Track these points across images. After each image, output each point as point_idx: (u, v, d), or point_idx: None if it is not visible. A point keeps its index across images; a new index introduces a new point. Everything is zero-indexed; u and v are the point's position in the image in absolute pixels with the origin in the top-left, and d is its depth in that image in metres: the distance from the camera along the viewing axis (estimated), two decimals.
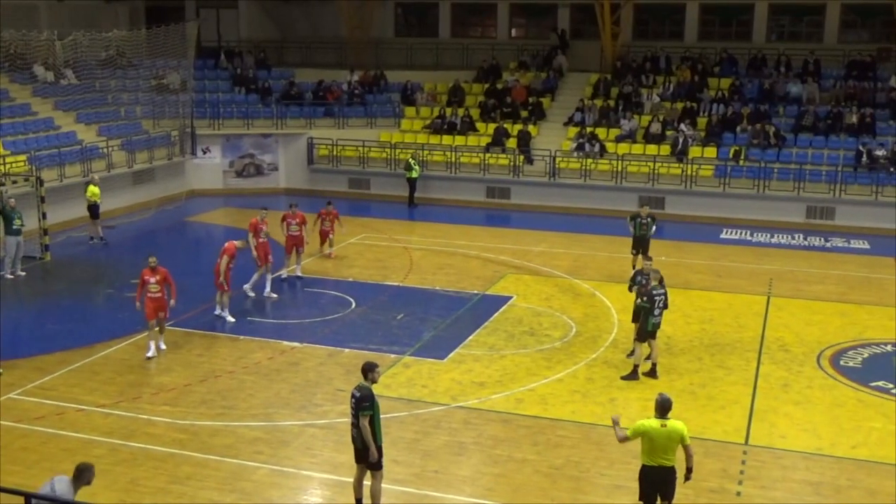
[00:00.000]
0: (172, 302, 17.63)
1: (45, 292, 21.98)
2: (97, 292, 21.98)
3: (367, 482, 11.57)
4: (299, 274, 22.65)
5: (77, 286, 22.39)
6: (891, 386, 16.29)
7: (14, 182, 24.94)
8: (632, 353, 17.00)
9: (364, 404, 11.19)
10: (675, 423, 10.65)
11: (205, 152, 34.10)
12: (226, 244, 19.37)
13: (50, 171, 27.36)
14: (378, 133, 34.87)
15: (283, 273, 22.58)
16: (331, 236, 24.63)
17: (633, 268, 21.85)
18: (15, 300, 21.18)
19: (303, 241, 22.59)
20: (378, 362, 11.84)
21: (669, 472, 10.70)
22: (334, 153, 34.39)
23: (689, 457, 10.68)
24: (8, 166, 26.30)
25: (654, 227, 22.98)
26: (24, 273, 22.80)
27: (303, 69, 38.01)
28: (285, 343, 18.29)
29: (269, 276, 21.27)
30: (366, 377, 11.38)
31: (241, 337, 18.65)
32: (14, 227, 22.68)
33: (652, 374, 16.50)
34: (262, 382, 16.30)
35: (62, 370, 16.60)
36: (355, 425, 11.32)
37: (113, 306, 20.59)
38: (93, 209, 26.20)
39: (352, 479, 11.73)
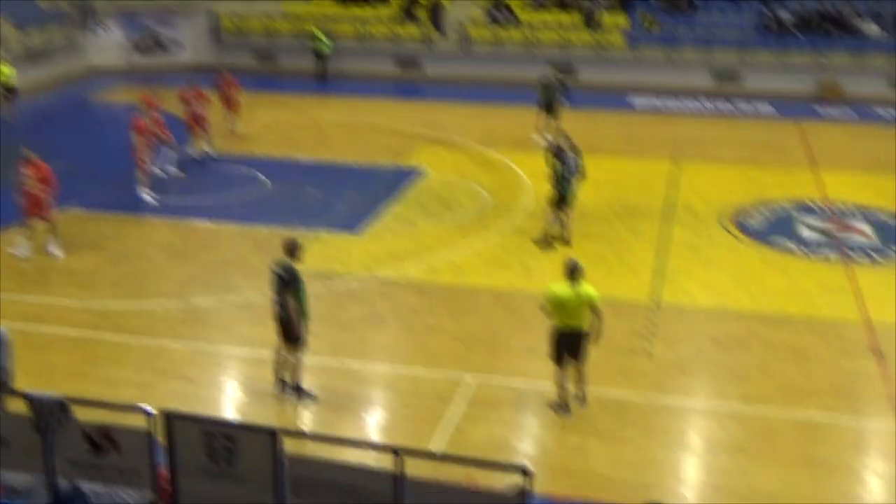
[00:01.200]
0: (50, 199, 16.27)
1: None
2: None
3: (288, 357, 11.68)
4: (210, 152, 22.18)
5: None
6: (791, 243, 16.92)
7: None
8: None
9: (292, 281, 11.19)
10: (584, 286, 10.93)
11: (103, 28, 32.66)
12: (134, 121, 18.85)
13: None
14: (285, 5, 33.79)
15: (190, 152, 22.07)
16: (206, 126, 23.64)
17: (537, 129, 22.36)
18: None
19: (206, 119, 21.97)
20: (294, 238, 11.79)
21: (580, 334, 11.03)
22: (240, 27, 33.30)
23: (598, 320, 11.01)
24: None
25: (563, 91, 23.00)
26: None
27: None
28: (197, 223, 18.05)
29: (173, 154, 20.68)
30: (290, 254, 11.33)
31: (152, 218, 18.34)
32: None
33: (566, 241, 16.78)
34: (176, 262, 16.14)
35: None
36: (280, 303, 11.31)
37: (10, 190, 19.94)
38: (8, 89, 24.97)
39: (270, 354, 11.81)
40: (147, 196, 19.18)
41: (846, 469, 10.43)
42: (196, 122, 21.84)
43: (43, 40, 30.41)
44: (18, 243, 16.37)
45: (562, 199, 16.59)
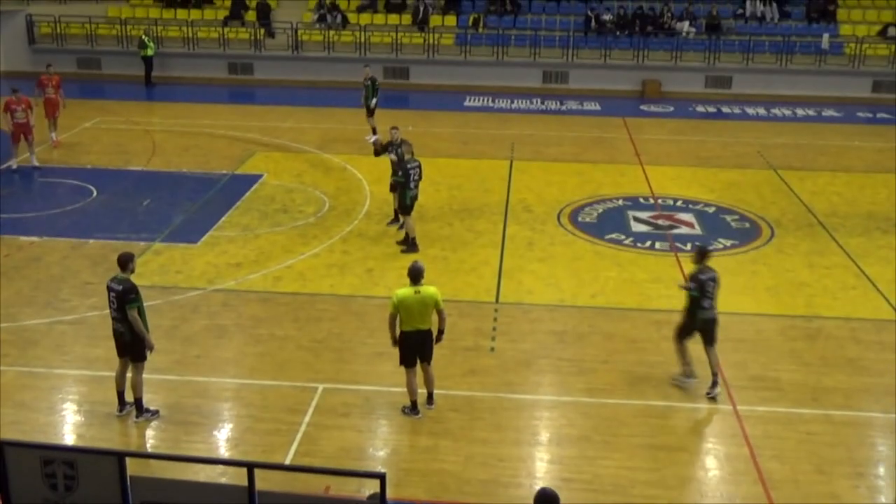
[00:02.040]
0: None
1: None
2: None
3: (128, 374, 11.30)
4: (35, 164, 21.13)
5: None
6: (623, 237, 17.62)
7: None
8: (393, 222, 17.37)
9: (130, 296, 10.86)
10: (427, 288, 11.06)
11: None
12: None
13: None
14: (106, 8, 32.60)
15: (13, 164, 21.00)
16: (56, 114, 22.81)
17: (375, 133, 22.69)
18: None
19: (31, 129, 20.97)
20: (129, 251, 11.43)
21: (426, 335, 11.17)
22: (58, 31, 31.89)
23: (441, 320, 11.18)
24: None
25: (373, 90, 23.54)
26: None
27: None
28: (22, 238, 17.16)
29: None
30: (125, 268, 11.00)
31: None
32: None
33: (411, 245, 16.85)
34: (1, 281, 15.31)
35: None
36: (119, 319, 10.96)
37: None
38: None
39: (111, 373, 11.40)
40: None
41: (688, 452, 10.96)
42: (21, 132, 20.78)
43: None
44: None
45: (409, 206, 16.61)
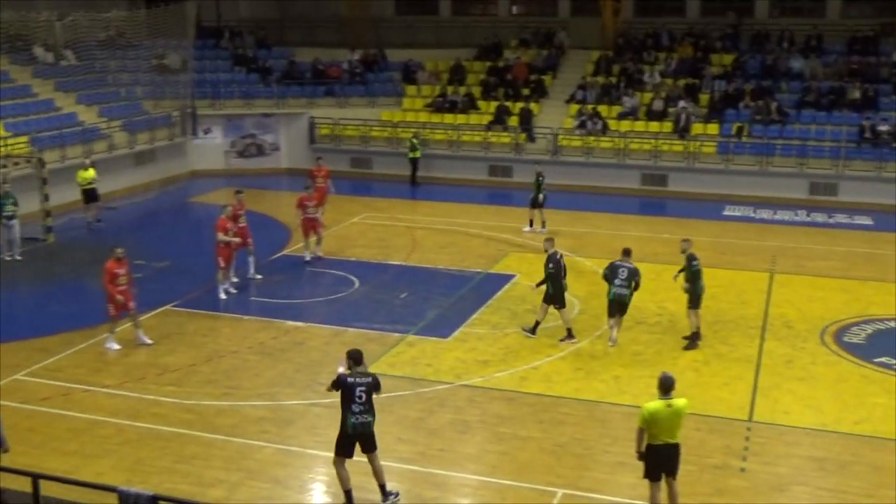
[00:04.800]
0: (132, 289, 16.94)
1: (48, 274, 21.99)
2: (99, 273, 21.94)
3: (359, 461, 11.60)
4: (320, 255, 22.43)
5: (79, 267, 22.37)
6: (894, 362, 16.30)
7: (16, 164, 24.91)
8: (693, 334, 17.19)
9: (379, 384, 11.39)
10: (679, 401, 10.68)
11: (206, 133, 34.03)
12: (217, 221, 19.44)
13: (51, 153, 27.32)
14: (379, 112, 34.78)
15: (307, 256, 22.43)
16: (324, 202, 24.21)
17: (532, 224, 25.29)
18: (17, 282, 21.21)
19: (320, 223, 22.42)
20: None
21: (674, 450, 10.75)
22: (335, 132, 34.31)
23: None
24: (9, 148, 26.26)
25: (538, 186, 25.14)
26: (20, 258, 22.58)
27: (303, 48, 37.83)
28: (289, 323, 18.31)
29: (252, 258, 20.87)
30: (361, 363, 11.47)
31: (245, 317, 18.69)
32: (6, 213, 22.31)
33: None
34: (267, 362, 16.33)
35: (67, 351, 16.64)
36: (366, 410, 11.30)
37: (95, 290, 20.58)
38: (87, 193, 25.84)
39: (354, 458, 11.72)
40: (223, 294, 19.61)
41: None
42: (311, 225, 22.15)
43: (149, 144, 31.73)
44: (110, 340, 16.83)
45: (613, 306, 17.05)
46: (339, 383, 11.28)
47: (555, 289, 17.28)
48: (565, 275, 17.40)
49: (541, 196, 25.29)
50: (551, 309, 17.42)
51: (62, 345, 16.91)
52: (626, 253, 17.30)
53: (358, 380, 11.32)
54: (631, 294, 17.00)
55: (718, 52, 34.68)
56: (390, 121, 34.21)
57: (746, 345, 17.16)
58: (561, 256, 17.46)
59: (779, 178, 29.77)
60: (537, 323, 17.44)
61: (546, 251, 17.64)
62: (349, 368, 11.43)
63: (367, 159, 33.95)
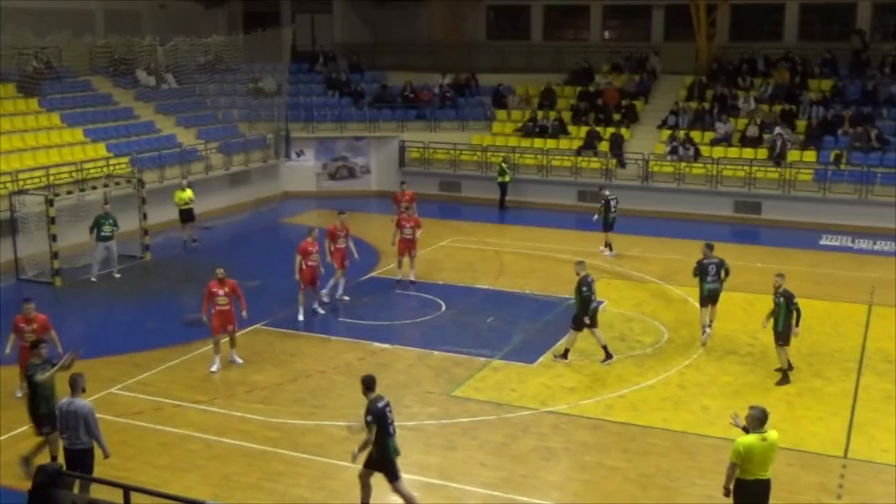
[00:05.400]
0: (244, 314, 17.26)
1: (144, 291, 22.60)
2: (194, 291, 22.48)
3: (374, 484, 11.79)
4: (412, 279, 22.45)
5: (175, 285, 22.96)
6: None
7: (117, 183, 25.74)
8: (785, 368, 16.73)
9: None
10: (772, 434, 10.37)
11: (299, 155, 34.68)
12: (301, 244, 19.63)
13: (150, 173, 28.16)
14: (469, 136, 34.95)
15: (398, 276, 22.69)
16: (417, 234, 24.35)
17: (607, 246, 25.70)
18: (115, 298, 21.85)
19: (415, 245, 22.47)
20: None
21: (766, 486, 10.45)
22: (425, 156, 34.58)
23: None
24: (111, 168, 27.16)
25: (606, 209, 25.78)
26: (118, 275, 23.19)
27: (395, 72, 38.30)
28: (375, 344, 18.44)
29: (342, 280, 21.02)
30: (373, 389, 11.63)
31: (333, 337, 18.89)
32: (104, 233, 22.75)
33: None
34: (353, 383, 16.33)
35: (160, 367, 17.04)
36: (393, 434, 11.53)
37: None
38: (184, 213, 26.48)
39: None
40: (301, 315, 19.68)
41: None
42: (406, 246, 22.20)
43: (244, 165, 32.47)
44: (213, 361, 17.13)
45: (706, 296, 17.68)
46: (375, 414, 11.34)
47: (588, 311, 17.34)
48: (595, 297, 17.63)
49: (610, 216, 25.81)
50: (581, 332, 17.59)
51: (156, 360, 17.33)
52: (710, 248, 18.71)
53: (384, 403, 11.53)
54: (723, 285, 18.49)
55: (816, 78, 33.92)
56: (480, 145, 34.34)
57: (842, 379, 16.63)
58: (593, 280, 17.57)
59: (879, 208, 28.87)
60: (567, 350, 17.53)
61: (578, 274, 17.53)
62: (365, 394, 11.60)
63: (456, 183, 34.11)
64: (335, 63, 38.40)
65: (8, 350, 14.61)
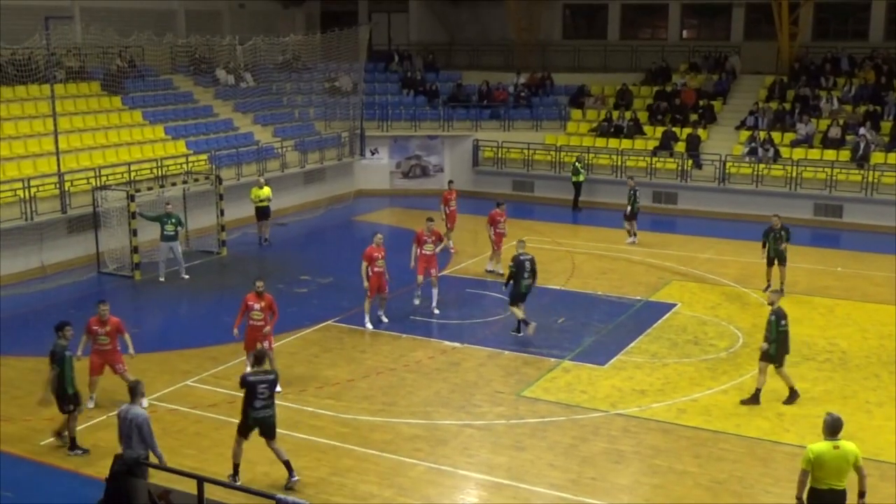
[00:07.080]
0: (268, 328, 16.10)
1: (220, 286, 22.98)
2: (268, 287, 22.75)
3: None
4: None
5: (249, 281, 23.19)
6: None
7: (196, 180, 26.26)
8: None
9: (277, 383, 13.08)
10: (847, 443, 10.12)
11: (373, 153, 34.94)
12: (365, 249, 19.27)
13: (228, 170, 28.67)
14: (543, 136, 34.80)
15: (489, 266, 23.51)
16: (451, 226, 25.00)
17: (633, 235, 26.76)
18: (192, 292, 22.27)
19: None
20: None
21: (840, 496, 10.17)
22: (499, 155, 34.53)
23: (862, 479, 10.11)
24: (190, 165, 27.71)
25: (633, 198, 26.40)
26: (186, 276, 23.19)
27: (470, 72, 38.35)
28: (446, 343, 18.48)
29: (435, 290, 20.43)
30: (262, 363, 12.85)
31: (403, 335, 18.97)
32: (167, 232, 22.64)
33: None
34: (423, 381, 16.52)
35: (235, 360, 17.28)
36: (270, 406, 12.59)
37: (283, 302, 21.19)
38: (260, 211, 26.71)
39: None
40: (369, 324, 19.24)
41: None
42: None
43: (319, 163, 32.84)
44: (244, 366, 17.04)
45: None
46: (243, 383, 12.52)
47: (515, 287, 18.47)
48: (529, 276, 18.56)
49: (635, 207, 26.60)
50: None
51: (231, 354, 17.59)
52: (778, 218, 21.31)
53: (259, 377, 12.55)
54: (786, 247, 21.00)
55: None
56: (554, 144, 34.17)
57: None
58: (526, 259, 18.48)
59: None
60: (521, 322, 18.60)
61: (517, 251, 18.65)
62: (252, 367, 12.98)
63: (529, 182, 33.99)
64: (410, 62, 38.60)
65: (79, 353, 14.51)
